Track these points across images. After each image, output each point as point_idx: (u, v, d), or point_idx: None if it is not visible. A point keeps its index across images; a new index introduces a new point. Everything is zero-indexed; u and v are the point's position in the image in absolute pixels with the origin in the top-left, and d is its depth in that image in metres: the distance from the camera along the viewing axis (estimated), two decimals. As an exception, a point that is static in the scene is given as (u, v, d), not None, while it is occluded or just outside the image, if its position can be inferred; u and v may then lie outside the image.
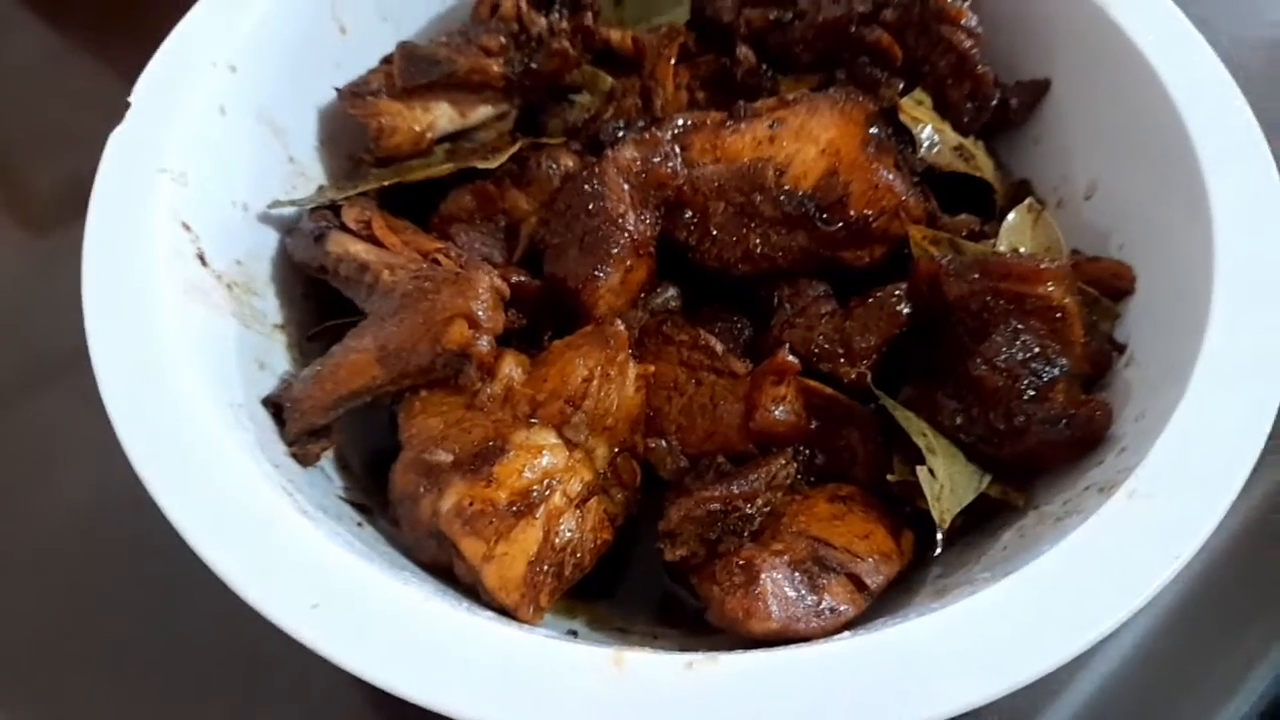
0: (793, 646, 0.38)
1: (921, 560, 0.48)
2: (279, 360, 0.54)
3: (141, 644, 0.58)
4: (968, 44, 0.57)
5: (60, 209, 0.80)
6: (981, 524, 0.49)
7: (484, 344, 0.47)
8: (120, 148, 0.51)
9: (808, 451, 0.50)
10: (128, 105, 0.52)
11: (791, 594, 0.42)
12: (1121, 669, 0.57)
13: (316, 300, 0.57)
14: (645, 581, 0.50)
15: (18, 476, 0.64)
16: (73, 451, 0.65)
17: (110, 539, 0.61)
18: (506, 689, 0.36)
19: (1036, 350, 0.48)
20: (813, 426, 0.49)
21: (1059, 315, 0.48)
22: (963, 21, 0.56)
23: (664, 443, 0.50)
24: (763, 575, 0.42)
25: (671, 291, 0.55)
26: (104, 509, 0.61)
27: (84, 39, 0.89)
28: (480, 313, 0.46)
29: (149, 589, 0.59)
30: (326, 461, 0.52)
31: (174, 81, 0.53)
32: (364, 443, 0.54)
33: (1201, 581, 0.60)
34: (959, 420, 0.49)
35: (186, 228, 0.50)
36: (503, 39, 0.59)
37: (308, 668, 0.50)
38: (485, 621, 0.38)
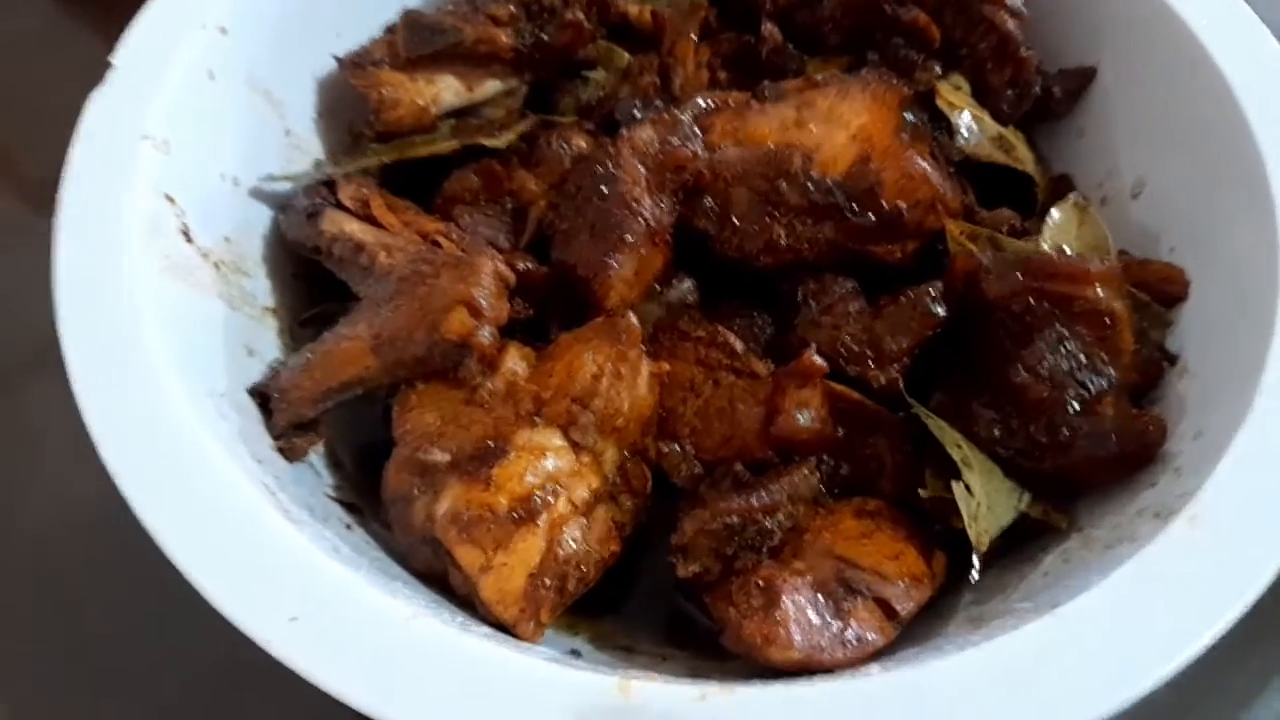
0: (815, 679, 0.35)
1: (952, 585, 0.44)
2: (269, 346, 0.51)
3: (127, 643, 0.55)
4: (1011, 25, 0.53)
5: (54, 187, 0.77)
6: (1020, 546, 0.45)
7: (486, 334, 0.43)
8: (100, 111, 0.47)
9: (832, 461, 0.47)
10: (109, 66, 0.49)
11: (815, 619, 0.39)
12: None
13: (310, 282, 0.54)
14: (654, 597, 0.47)
15: (11, 464, 0.61)
16: (67, 440, 0.62)
17: (106, 533, 0.58)
18: (503, 713, 0.32)
19: (1084, 358, 0.45)
20: (839, 435, 0.46)
21: (1109, 321, 0.45)
22: (1006, 1, 0.53)
23: (678, 447, 0.47)
24: (784, 598, 0.39)
25: (688, 284, 0.52)
26: (102, 499, 0.59)
27: (85, 12, 0.86)
28: (482, 300, 0.43)
29: (138, 587, 0.56)
30: (316, 457, 0.48)
31: (160, 42, 0.50)
32: (357, 437, 0.51)
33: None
34: (997, 432, 0.45)
35: (170, 200, 0.47)
36: (513, 8, 0.56)
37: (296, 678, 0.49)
38: (479, 640, 0.35)
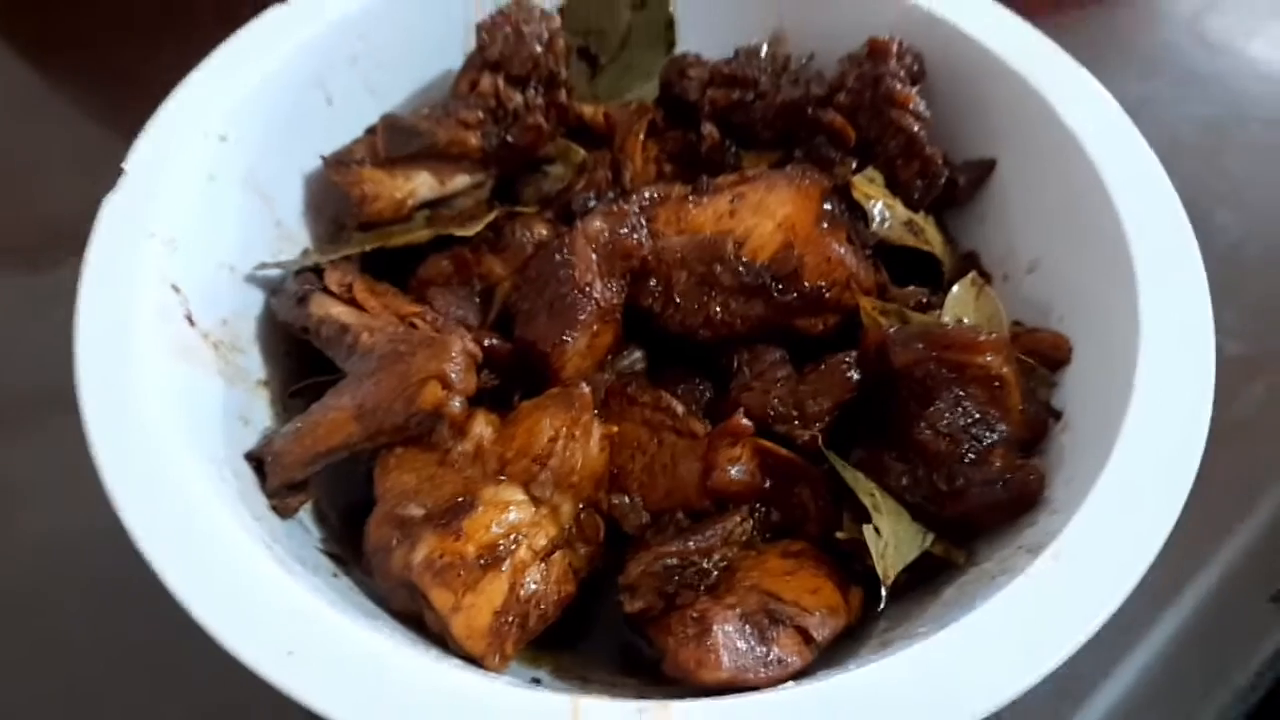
0: (741, 695, 0.41)
1: (869, 615, 0.51)
2: (262, 416, 0.57)
3: (112, 690, 0.59)
4: (915, 127, 0.61)
5: (47, 250, 0.82)
6: (926, 580, 0.52)
7: (456, 404, 0.49)
8: (113, 213, 0.54)
9: (763, 509, 0.53)
10: (122, 172, 0.55)
11: (742, 645, 0.45)
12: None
13: (299, 358, 0.60)
14: (608, 632, 0.53)
15: None
16: (46, 493, 0.66)
17: (84, 582, 0.63)
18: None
19: (976, 416, 0.51)
20: (767, 485, 0.52)
21: (997, 384, 0.52)
22: (910, 106, 0.61)
23: (627, 499, 0.53)
24: (715, 627, 0.45)
25: (637, 354, 0.58)
26: (77, 552, 0.63)
27: (65, 80, 0.92)
28: (453, 375, 0.49)
29: (120, 635, 0.61)
30: (305, 514, 0.54)
31: (166, 150, 0.56)
32: (342, 496, 0.56)
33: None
34: (905, 481, 0.52)
35: (175, 289, 0.53)
36: (480, 113, 0.63)
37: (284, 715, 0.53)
38: (450, 669, 0.41)
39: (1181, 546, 0.66)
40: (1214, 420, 0.48)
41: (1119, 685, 0.63)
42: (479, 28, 0.64)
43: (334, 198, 0.63)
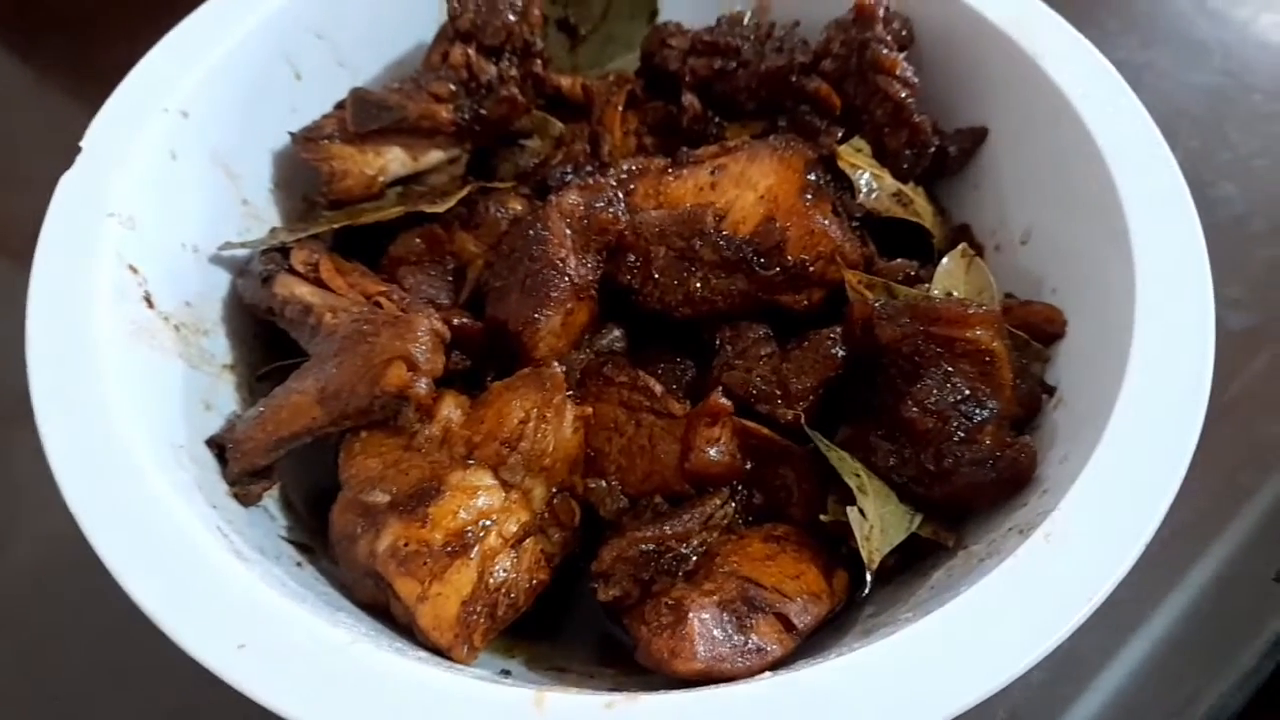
0: (715, 687, 0.39)
1: (854, 600, 0.49)
2: (227, 400, 0.55)
3: (94, 695, 0.58)
4: (903, 94, 0.58)
5: (19, 247, 0.81)
6: (914, 564, 0.50)
7: (422, 386, 0.48)
8: (69, 191, 0.52)
9: (745, 491, 0.51)
10: (78, 150, 0.53)
11: (719, 634, 0.43)
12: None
13: (268, 341, 0.58)
14: (586, 621, 0.51)
15: None
16: (35, 493, 0.65)
17: (69, 589, 0.61)
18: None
19: (966, 393, 0.49)
20: (749, 467, 0.50)
21: (988, 359, 0.49)
22: (897, 72, 0.58)
23: (604, 483, 0.51)
24: (690, 615, 0.43)
25: (616, 333, 0.56)
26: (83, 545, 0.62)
27: (55, 74, 0.91)
28: (419, 355, 0.47)
29: (102, 642, 0.59)
30: (270, 501, 0.52)
31: (125, 126, 0.55)
32: (308, 482, 0.55)
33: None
34: (892, 461, 0.50)
35: (134, 270, 0.51)
36: (453, 86, 0.60)
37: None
38: (411, 662, 0.39)
39: (1185, 525, 0.65)
40: (1217, 394, 0.45)
41: (1122, 667, 0.61)
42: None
43: (303, 175, 0.61)
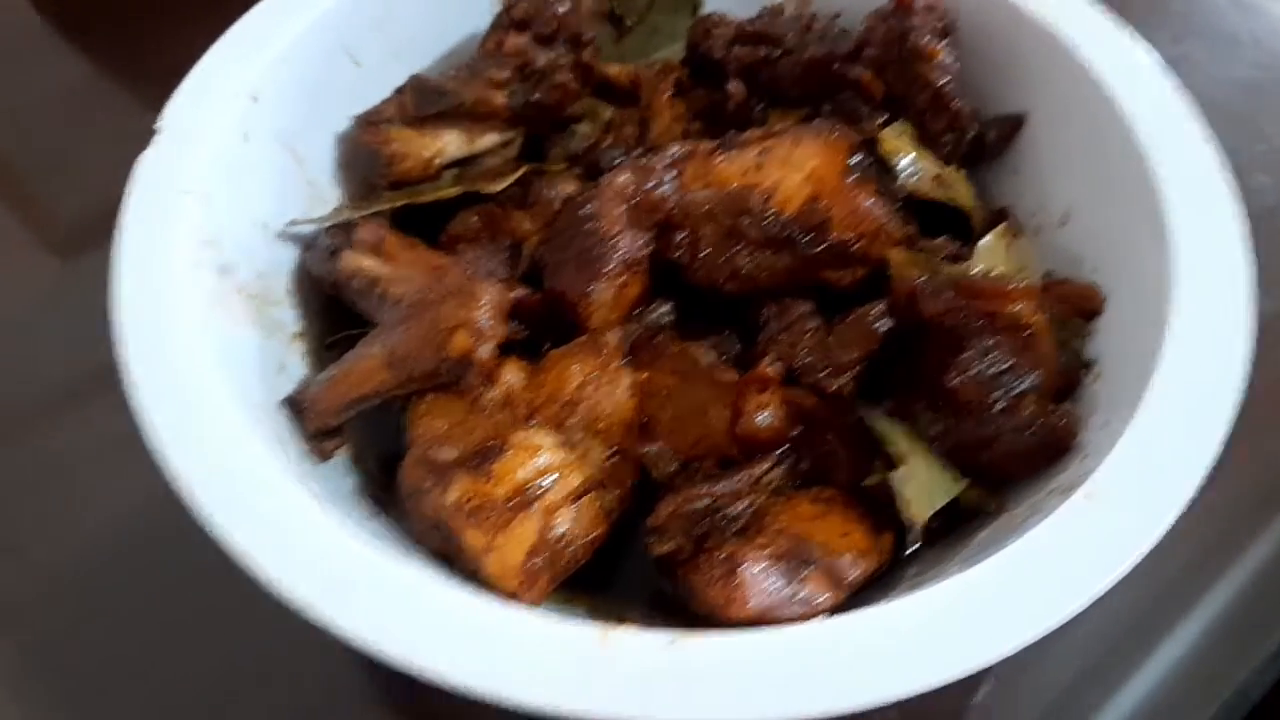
0: (771, 628, 0.41)
1: (899, 560, 0.51)
2: (297, 366, 0.57)
3: (177, 658, 0.61)
4: (943, 80, 0.61)
5: (83, 235, 0.84)
6: (957, 527, 0.52)
7: (485, 351, 0.50)
8: (148, 171, 0.55)
9: (793, 457, 0.53)
10: (155, 132, 0.56)
11: (771, 585, 0.45)
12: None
13: (334, 313, 0.61)
14: (640, 577, 0.53)
15: (47, 499, 0.67)
16: (98, 472, 0.68)
17: (143, 560, 0.64)
18: (497, 657, 0.39)
19: (1008, 365, 0.51)
20: (796, 433, 0.52)
21: (1028, 332, 0.51)
22: (937, 60, 0.61)
23: (657, 447, 0.53)
24: (743, 566, 0.45)
25: (666, 307, 0.59)
26: (134, 530, 0.65)
27: (114, 68, 0.94)
28: (482, 322, 0.50)
29: (185, 608, 0.62)
30: (342, 459, 0.55)
31: (199, 110, 0.58)
32: (378, 444, 0.57)
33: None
34: (935, 430, 0.52)
35: (210, 244, 0.54)
36: (507, 73, 0.63)
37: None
38: (483, 599, 0.41)
39: (1221, 518, 0.67)
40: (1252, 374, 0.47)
41: (1157, 667, 0.62)
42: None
43: (364, 157, 0.64)
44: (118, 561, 0.64)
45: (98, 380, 0.70)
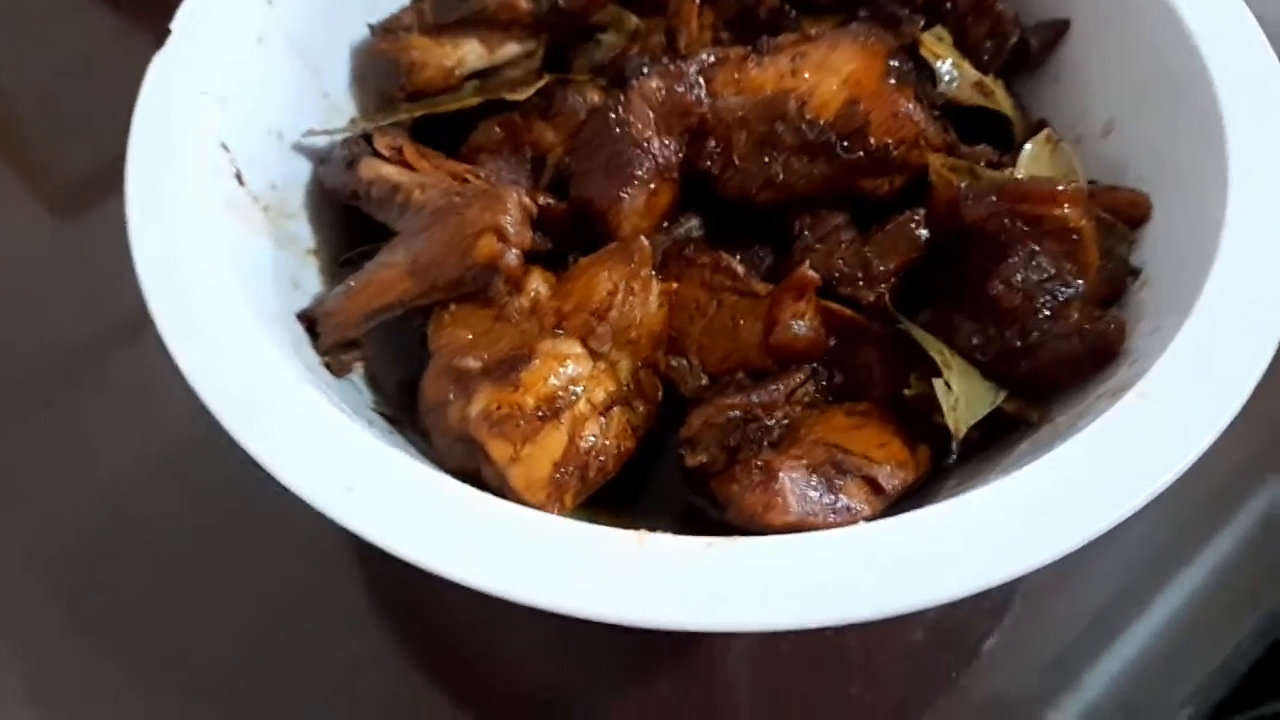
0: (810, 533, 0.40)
1: (937, 472, 0.49)
2: (312, 282, 0.56)
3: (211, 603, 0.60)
4: (987, -21, 0.58)
5: (55, 194, 0.81)
6: (998, 440, 0.50)
7: (512, 257, 0.48)
8: (162, 70, 0.53)
9: (826, 371, 0.52)
10: (168, 32, 0.54)
11: (809, 493, 0.44)
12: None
13: (349, 228, 0.59)
14: (667, 494, 0.52)
15: (74, 456, 0.66)
16: (116, 429, 0.67)
17: (149, 517, 0.63)
18: (532, 561, 0.38)
19: (1053, 271, 0.49)
20: (831, 344, 0.51)
21: (1075, 237, 0.49)
22: (981, -41, 0.58)
23: (686, 362, 0.52)
24: (781, 474, 0.44)
25: (695, 221, 0.57)
26: (150, 485, 0.64)
27: (141, 26, 0.89)
28: (509, 227, 0.48)
29: (213, 549, 0.62)
30: (358, 377, 0.54)
31: (213, 11, 0.56)
32: (396, 364, 0.56)
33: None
34: (975, 340, 0.50)
35: (225, 149, 0.52)
36: (531, -23, 0.61)
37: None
38: (514, 506, 0.40)
39: (1232, 467, 0.65)
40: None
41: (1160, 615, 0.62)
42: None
43: (381, 68, 0.62)
44: (145, 512, 0.64)
45: (116, 337, 0.70)
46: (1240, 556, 0.64)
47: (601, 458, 0.47)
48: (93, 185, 0.80)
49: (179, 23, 0.54)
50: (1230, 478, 0.67)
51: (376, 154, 0.56)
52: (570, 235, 0.55)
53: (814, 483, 0.44)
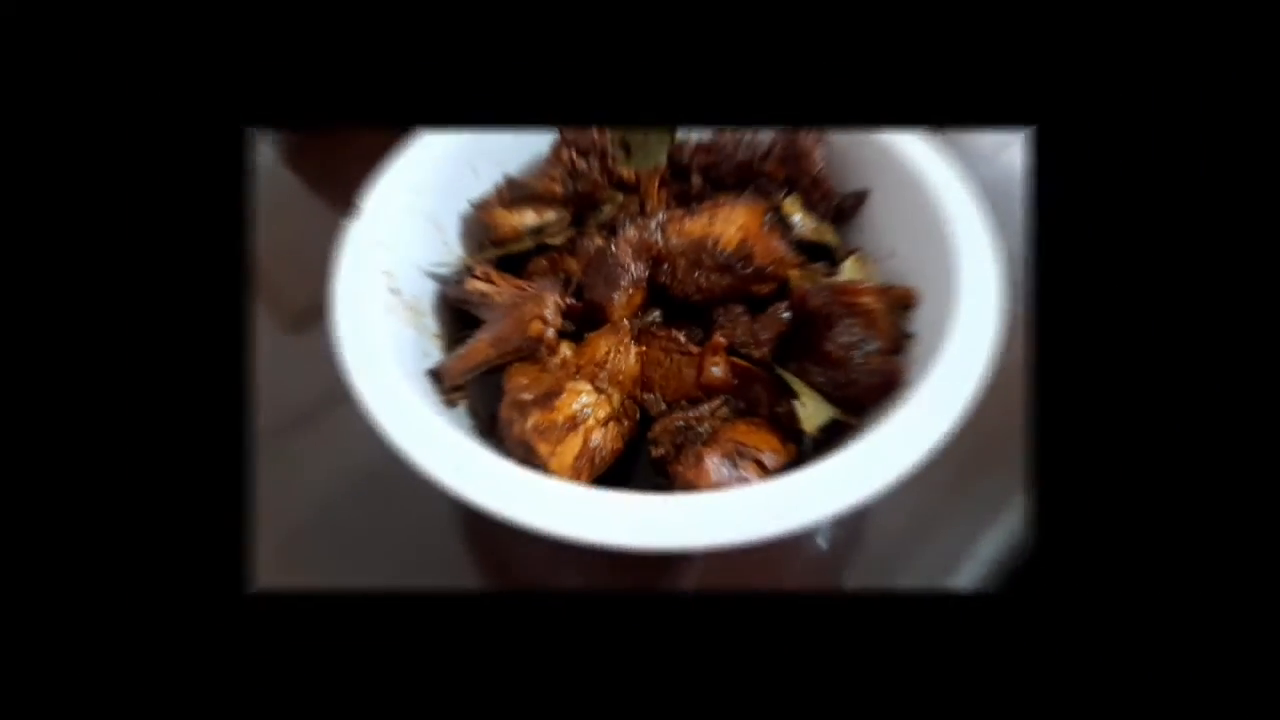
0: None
1: (800, 459, 0.50)
2: (436, 353, 0.57)
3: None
4: (818, 169, 0.60)
5: (292, 314, 0.76)
6: (834, 439, 0.50)
7: (551, 334, 0.50)
8: (354, 231, 0.54)
9: (734, 399, 0.52)
10: (358, 207, 0.56)
11: (723, 469, 0.44)
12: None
13: (458, 320, 0.60)
14: (643, 475, 0.52)
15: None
16: (327, 454, 0.63)
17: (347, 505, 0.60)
18: (566, 513, 0.38)
19: (861, 336, 0.50)
20: (736, 383, 0.52)
21: (873, 315, 0.50)
22: (815, 156, 0.60)
23: (651, 395, 0.53)
24: (706, 459, 0.45)
25: (656, 312, 0.58)
26: (349, 484, 0.61)
27: (315, 186, 0.85)
28: (549, 316, 0.49)
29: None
30: (463, 409, 0.54)
31: (383, 198, 0.57)
32: (486, 400, 0.56)
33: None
34: (820, 379, 0.51)
35: (388, 275, 0.54)
36: (563, 173, 0.62)
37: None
38: (554, 480, 0.41)
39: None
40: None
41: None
42: (560, 131, 0.63)
43: (478, 227, 0.64)
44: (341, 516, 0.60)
45: (331, 398, 0.66)
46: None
47: (603, 453, 0.48)
48: (313, 311, 0.75)
49: (364, 203, 0.56)
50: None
51: (474, 276, 0.57)
52: (584, 321, 0.56)
53: (726, 464, 0.45)
